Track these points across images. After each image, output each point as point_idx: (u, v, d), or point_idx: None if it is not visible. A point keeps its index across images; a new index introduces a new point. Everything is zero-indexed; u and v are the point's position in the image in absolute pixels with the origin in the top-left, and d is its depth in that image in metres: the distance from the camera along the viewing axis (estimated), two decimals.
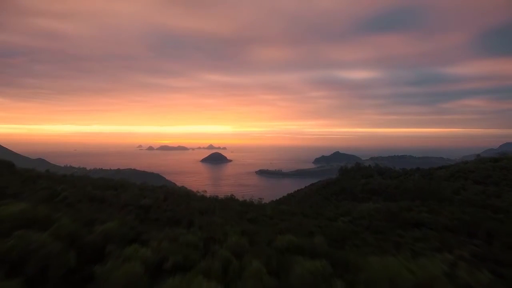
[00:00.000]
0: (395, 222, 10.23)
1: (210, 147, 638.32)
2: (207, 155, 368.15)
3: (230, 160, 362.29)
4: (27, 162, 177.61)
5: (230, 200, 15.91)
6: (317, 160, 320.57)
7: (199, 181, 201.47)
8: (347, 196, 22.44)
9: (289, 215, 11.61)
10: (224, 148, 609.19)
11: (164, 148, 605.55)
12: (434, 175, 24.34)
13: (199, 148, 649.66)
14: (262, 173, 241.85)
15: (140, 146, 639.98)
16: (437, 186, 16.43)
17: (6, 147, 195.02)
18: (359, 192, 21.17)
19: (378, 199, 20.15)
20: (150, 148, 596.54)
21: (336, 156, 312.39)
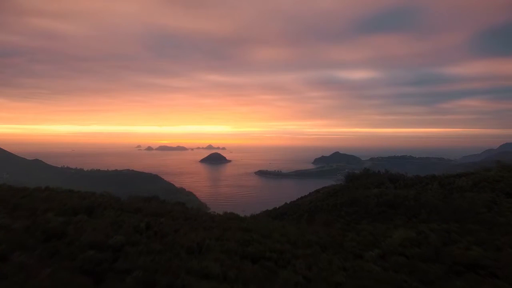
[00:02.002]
0: (442, 262, 7.92)
1: (209, 147, 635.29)
2: (206, 155, 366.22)
3: (229, 161, 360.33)
4: (23, 163, 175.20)
5: (229, 219, 13.61)
6: (316, 161, 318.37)
7: (198, 182, 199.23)
8: (359, 209, 20.10)
9: (302, 247, 9.31)
10: (223, 148, 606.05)
11: (163, 148, 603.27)
12: (455, 184, 22.00)
13: (198, 148, 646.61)
14: (262, 173, 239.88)
15: (139, 146, 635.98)
16: (471, 202, 14.11)
17: (3, 147, 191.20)
18: (374, 205, 18.86)
19: (397, 214, 17.87)
20: (149, 148, 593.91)
21: (336, 157, 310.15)
